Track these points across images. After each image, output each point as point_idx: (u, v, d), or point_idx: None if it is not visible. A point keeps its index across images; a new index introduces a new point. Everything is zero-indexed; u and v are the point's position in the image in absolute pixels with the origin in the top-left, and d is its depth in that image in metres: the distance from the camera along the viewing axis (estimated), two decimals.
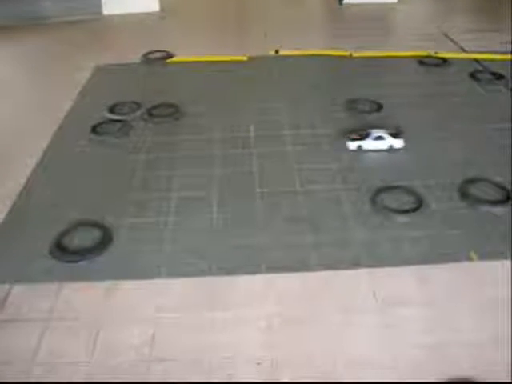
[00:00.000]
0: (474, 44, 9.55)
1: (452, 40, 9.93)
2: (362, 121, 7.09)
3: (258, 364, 3.91)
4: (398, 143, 6.44)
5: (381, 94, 7.71)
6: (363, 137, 6.46)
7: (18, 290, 4.63)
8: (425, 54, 9.18)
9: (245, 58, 9.25)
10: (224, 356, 3.99)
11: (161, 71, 9.04)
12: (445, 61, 8.94)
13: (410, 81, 8.39)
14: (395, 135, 6.51)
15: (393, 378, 3.78)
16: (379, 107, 7.41)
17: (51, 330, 4.26)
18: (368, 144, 6.41)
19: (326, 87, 8.22)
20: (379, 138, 6.42)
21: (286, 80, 8.42)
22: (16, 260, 4.96)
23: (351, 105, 7.47)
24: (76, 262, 4.93)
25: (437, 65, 8.86)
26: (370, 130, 6.52)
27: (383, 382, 3.51)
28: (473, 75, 8.35)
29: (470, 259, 4.79)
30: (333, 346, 4.04)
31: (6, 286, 4.66)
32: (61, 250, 5.03)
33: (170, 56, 9.50)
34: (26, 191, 5.92)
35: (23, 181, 6.07)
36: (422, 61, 8.96)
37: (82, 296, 4.57)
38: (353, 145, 6.44)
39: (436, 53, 9.19)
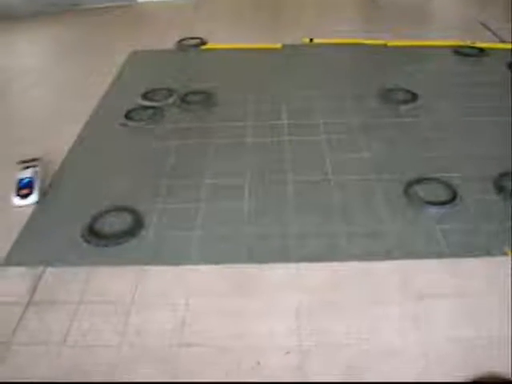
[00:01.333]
0: None
1: (490, 29, 9.71)
2: (397, 111, 7.00)
3: (287, 353, 3.90)
4: None
5: (416, 84, 7.57)
6: None
7: (50, 273, 4.67)
8: (461, 43, 8.99)
9: (279, 46, 9.15)
10: (252, 344, 3.98)
11: (194, 58, 8.99)
12: (482, 51, 8.72)
13: (445, 71, 8.20)
14: None
15: (422, 370, 3.73)
16: (414, 97, 7.28)
17: (82, 312, 4.29)
18: None
19: (360, 76, 8.10)
20: None
21: (319, 68, 8.33)
22: (48, 243, 4.99)
23: (386, 94, 7.34)
24: (107, 246, 4.95)
25: (473, 55, 8.63)
26: None
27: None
28: (511, 66, 8.15)
29: (504, 254, 4.71)
30: (363, 336, 4.00)
31: (40, 269, 4.71)
32: (92, 234, 5.05)
33: (204, 43, 9.45)
34: (59, 176, 5.97)
35: (56, 166, 6.12)
36: (458, 50, 8.73)
37: (113, 280, 4.59)
38: None
39: (473, 42, 9.00)
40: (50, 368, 3.86)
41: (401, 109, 7.05)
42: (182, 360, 3.88)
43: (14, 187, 5.56)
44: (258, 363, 3.83)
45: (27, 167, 5.86)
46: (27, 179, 5.65)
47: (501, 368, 3.72)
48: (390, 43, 9.14)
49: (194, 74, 8.34)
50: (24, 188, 5.56)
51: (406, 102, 7.21)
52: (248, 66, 8.57)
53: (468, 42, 9.01)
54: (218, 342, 4.00)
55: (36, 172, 5.77)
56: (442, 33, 9.75)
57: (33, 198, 5.51)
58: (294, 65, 8.41)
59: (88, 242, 4.98)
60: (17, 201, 5.48)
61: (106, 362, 3.89)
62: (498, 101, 7.19)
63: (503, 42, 9.14)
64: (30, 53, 9.93)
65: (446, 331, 4.03)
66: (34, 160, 6.06)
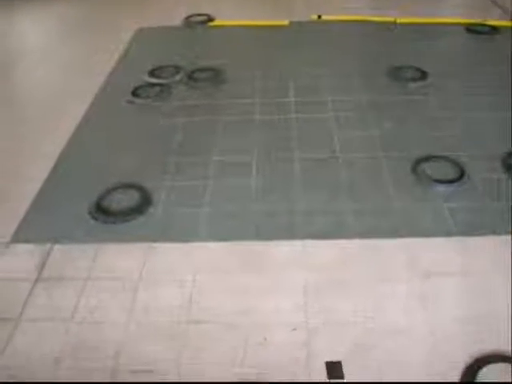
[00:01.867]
0: None
1: (502, 7, 9.60)
2: (406, 89, 6.96)
3: (294, 329, 3.91)
4: None
5: (426, 62, 7.50)
6: None
7: (58, 249, 4.68)
8: (473, 21, 8.88)
9: (286, 23, 9.07)
10: (259, 320, 3.99)
11: (201, 35, 8.94)
12: (494, 28, 8.62)
13: (456, 48, 8.14)
14: None
15: (429, 348, 3.73)
16: (424, 75, 7.21)
17: (90, 289, 4.31)
18: None
19: (370, 53, 8.03)
20: None
21: (328, 46, 8.25)
22: (57, 221, 5.01)
23: (395, 72, 7.27)
24: (115, 223, 4.97)
25: (485, 32, 8.54)
26: None
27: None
28: None
29: (511, 233, 4.68)
30: (369, 314, 4.01)
31: (47, 246, 4.72)
32: (100, 211, 5.07)
33: (211, 20, 9.39)
34: (67, 153, 5.96)
35: (64, 142, 6.11)
36: (469, 28, 8.63)
37: (120, 257, 4.61)
38: None
39: (484, 20, 8.90)
40: (58, 344, 3.88)
41: (410, 87, 7.00)
42: (189, 337, 3.90)
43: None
44: (265, 339, 3.85)
45: None
46: None
47: (507, 347, 3.72)
48: (400, 20, 9.04)
49: (201, 50, 8.29)
50: None
51: (415, 79, 7.16)
52: (255, 43, 8.51)
53: (479, 20, 8.90)
54: (225, 319, 4.01)
55: None
56: (453, 10, 9.65)
57: None
58: (301, 42, 8.34)
59: (96, 218, 5.00)
60: None
61: (113, 339, 3.91)
62: (509, 79, 7.11)
63: None
64: (35, 32, 9.86)
65: (452, 310, 4.03)
66: None
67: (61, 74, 7.94)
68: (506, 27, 8.68)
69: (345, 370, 3.64)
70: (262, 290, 4.24)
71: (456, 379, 3.54)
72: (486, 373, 3.56)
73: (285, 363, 3.70)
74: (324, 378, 3.60)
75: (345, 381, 3.66)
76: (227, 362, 3.71)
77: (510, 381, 3.51)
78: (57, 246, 4.72)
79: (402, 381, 3.50)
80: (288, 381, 3.55)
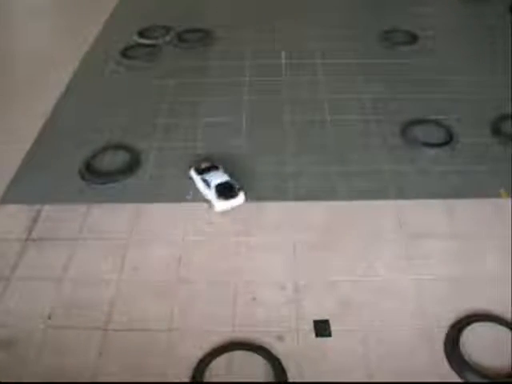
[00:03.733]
0: None
1: None
2: (396, 52, 6.94)
3: (282, 288, 3.97)
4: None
5: (416, 26, 7.46)
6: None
7: (47, 210, 4.70)
8: None
9: None
10: (249, 280, 4.05)
11: None
12: None
13: (447, 13, 8.13)
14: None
15: (414, 308, 3.81)
16: (414, 39, 7.18)
17: (81, 248, 4.34)
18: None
19: (360, 17, 7.98)
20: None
21: (319, 8, 8.15)
22: (46, 182, 5.01)
23: (385, 35, 7.25)
24: (105, 183, 4.98)
25: None
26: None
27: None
28: None
29: (499, 196, 4.74)
30: (356, 273, 4.08)
31: (37, 207, 4.72)
32: (90, 172, 5.07)
33: None
34: (56, 114, 5.93)
35: (53, 103, 6.08)
36: None
37: (110, 217, 4.63)
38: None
39: None
40: (49, 302, 3.92)
41: (400, 50, 6.98)
42: (178, 295, 3.95)
43: None
44: (254, 299, 3.90)
45: None
46: None
47: (491, 306, 3.80)
48: None
49: (190, 11, 8.19)
50: None
51: (405, 43, 7.13)
52: (246, 3, 8.39)
53: None
54: (214, 278, 4.06)
55: None
56: None
57: None
58: (293, 4, 8.23)
59: (85, 179, 4.99)
60: None
61: (104, 298, 3.94)
62: (499, 44, 7.11)
63: None
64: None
65: (439, 270, 4.09)
66: None
67: (50, 36, 7.87)
68: None
69: (332, 327, 3.70)
70: (251, 250, 4.28)
71: (442, 337, 3.63)
72: (471, 331, 3.65)
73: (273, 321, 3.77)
74: (313, 336, 3.68)
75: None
76: (217, 320, 3.77)
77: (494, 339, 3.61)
78: (46, 207, 4.72)
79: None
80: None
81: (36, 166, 5.20)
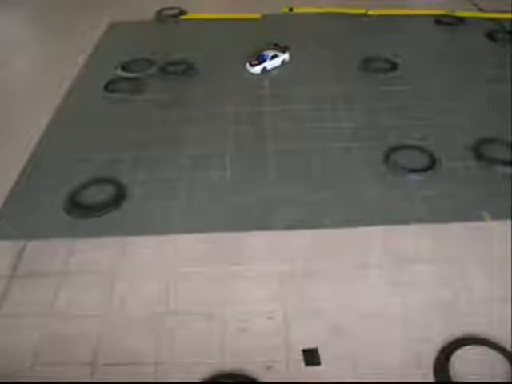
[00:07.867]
0: (493, 4, 9.25)
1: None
2: (377, 80, 7.03)
3: (270, 318, 3.95)
4: (287, 57, 7.36)
5: (396, 53, 7.57)
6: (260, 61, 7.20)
7: (32, 245, 4.66)
8: (442, 12, 9.00)
9: (258, 16, 9.09)
10: (236, 310, 4.02)
11: (173, 28, 8.91)
12: (461, 20, 8.76)
13: (426, 40, 8.22)
14: (284, 50, 7.39)
15: (404, 332, 3.81)
16: (394, 66, 7.29)
17: (67, 284, 4.30)
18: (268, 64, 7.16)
19: (341, 45, 8.06)
20: (274, 56, 7.29)
21: (299, 38, 8.24)
22: (30, 217, 4.97)
23: (365, 64, 7.34)
24: (90, 217, 4.95)
25: (453, 23, 8.67)
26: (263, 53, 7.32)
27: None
28: (489, 35, 8.16)
29: (482, 219, 4.78)
30: (344, 300, 4.07)
31: (21, 243, 4.68)
32: (75, 206, 5.05)
33: (183, 13, 9.36)
34: (41, 148, 5.92)
35: (37, 136, 6.08)
36: (438, 20, 8.75)
37: (96, 251, 4.60)
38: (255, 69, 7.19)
39: (453, 11, 9.01)
40: (36, 339, 3.88)
41: (381, 78, 7.07)
42: (166, 327, 3.92)
43: None
44: (243, 328, 3.89)
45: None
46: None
47: (480, 329, 3.81)
48: (371, 12, 9.11)
49: (173, 44, 8.27)
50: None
51: (385, 70, 7.24)
52: (227, 36, 8.50)
53: (449, 12, 9.01)
54: (201, 309, 4.04)
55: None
56: (423, 1, 9.75)
57: None
58: (273, 35, 8.32)
59: (70, 214, 4.98)
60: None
61: (91, 332, 3.91)
62: (476, 69, 7.25)
63: (481, 10, 9.16)
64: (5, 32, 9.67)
65: (426, 295, 4.10)
66: None
67: (34, 69, 7.89)
68: (472, 18, 8.83)
69: (321, 355, 3.69)
70: (237, 279, 4.27)
71: (431, 361, 3.62)
72: (461, 354, 3.65)
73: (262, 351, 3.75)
74: (302, 365, 3.66)
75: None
76: (205, 352, 3.75)
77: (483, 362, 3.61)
78: (31, 243, 4.70)
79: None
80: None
81: (21, 201, 5.17)
